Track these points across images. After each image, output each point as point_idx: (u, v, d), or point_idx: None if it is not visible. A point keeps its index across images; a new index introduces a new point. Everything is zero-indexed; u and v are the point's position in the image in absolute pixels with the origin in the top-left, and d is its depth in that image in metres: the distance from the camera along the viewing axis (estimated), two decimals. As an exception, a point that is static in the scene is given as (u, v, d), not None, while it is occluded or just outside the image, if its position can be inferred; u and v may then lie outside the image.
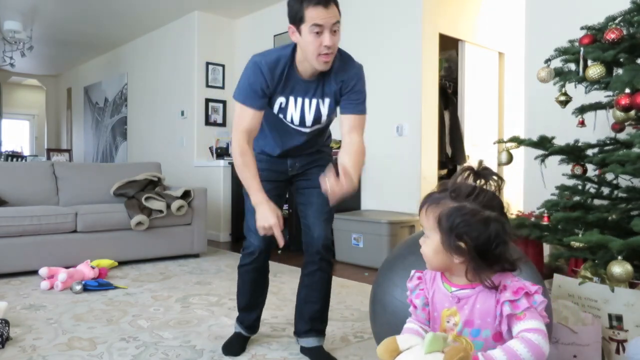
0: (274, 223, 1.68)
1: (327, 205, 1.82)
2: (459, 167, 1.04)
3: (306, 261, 1.97)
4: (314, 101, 1.80)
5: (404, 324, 1.24)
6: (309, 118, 1.82)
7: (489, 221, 1.05)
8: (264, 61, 1.74)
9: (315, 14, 1.61)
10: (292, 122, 1.84)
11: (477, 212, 1.06)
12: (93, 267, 3.33)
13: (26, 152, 10.05)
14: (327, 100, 1.82)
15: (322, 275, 1.95)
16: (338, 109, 1.88)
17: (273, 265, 3.91)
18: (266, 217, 1.69)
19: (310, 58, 1.68)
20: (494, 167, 5.49)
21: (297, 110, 1.80)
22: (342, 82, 1.79)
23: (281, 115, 1.84)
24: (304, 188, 1.98)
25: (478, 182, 1.11)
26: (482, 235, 1.05)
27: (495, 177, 1.11)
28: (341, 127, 1.82)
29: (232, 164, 5.03)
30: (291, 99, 1.79)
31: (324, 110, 1.83)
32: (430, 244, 1.11)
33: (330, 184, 1.56)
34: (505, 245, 1.06)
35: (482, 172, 1.12)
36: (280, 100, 1.80)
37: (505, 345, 1.01)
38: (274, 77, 1.74)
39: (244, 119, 1.78)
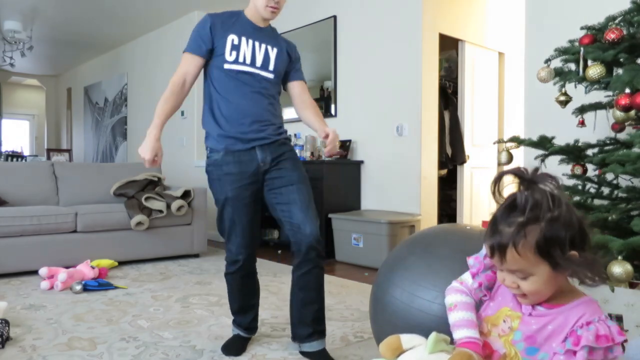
0: (149, 159, 1.83)
1: (310, 199, 1.96)
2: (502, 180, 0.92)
3: (300, 261, 1.91)
4: (264, 45, 1.98)
5: (405, 323, 1.22)
6: (259, 58, 1.97)
7: (580, 219, 0.99)
8: (213, 13, 1.98)
9: None
10: (244, 61, 1.94)
11: (569, 215, 0.98)
12: (93, 267, 3.33)
13: (26, 152, 10.06)
14: (275, 50, 2.00)
15: (318, 272, 1.92)
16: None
17: (273, 265, 3.91)
18: (147, 149, 1.84)
19: (259, 7, 1.93)
20: (493, 167, 5.42)
21: (248, 48, 1.95)
22: (287, 45, 2.06)
23: (234, 54, 1.93)
24: (280, 187, 1.94)
25: (525, 189, 1.01)
26: (582, 234, 0.99)
27: (549, 180, 1.02)
28: (292, 92, 2.10)
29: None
30: (243, 38, 1.95)
31: (272, 56, 1.99)
32: (538, 279, 1.00)
33: (330, 134, 1.88)
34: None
35: (537, 178, 1.02)
36: (232, 37, 1.94)
37: None
38: (223, 21, 1.95)
39: (184, 63, 1.96)
